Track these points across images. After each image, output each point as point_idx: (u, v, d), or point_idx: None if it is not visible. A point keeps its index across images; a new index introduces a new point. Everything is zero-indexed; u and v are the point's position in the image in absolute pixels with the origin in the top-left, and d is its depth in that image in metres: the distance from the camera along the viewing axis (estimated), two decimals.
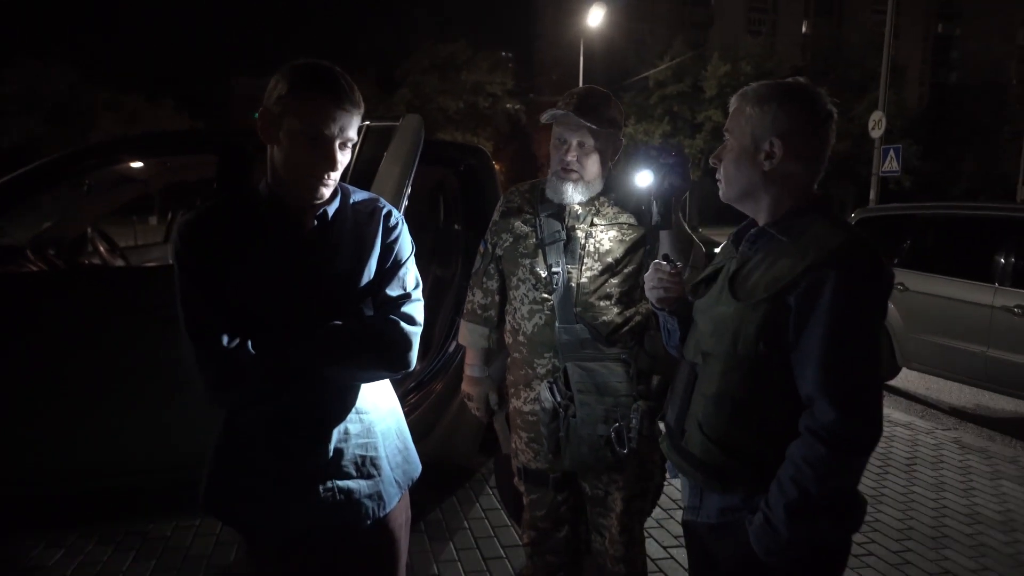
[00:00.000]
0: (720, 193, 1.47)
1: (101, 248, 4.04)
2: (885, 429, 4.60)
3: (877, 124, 14.82)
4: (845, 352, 1.23)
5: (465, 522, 3.31)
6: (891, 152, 14.52)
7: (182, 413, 2.14)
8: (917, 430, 4.99)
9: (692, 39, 47.97)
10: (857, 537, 3.21)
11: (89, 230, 4.03)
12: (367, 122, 2.70)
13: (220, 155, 2.95)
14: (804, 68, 47.15)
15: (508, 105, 43.04)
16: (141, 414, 2.76)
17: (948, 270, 5.76)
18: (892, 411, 5.53)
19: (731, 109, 1.45)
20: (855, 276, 1.25)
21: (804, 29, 60.71)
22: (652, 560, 2.98)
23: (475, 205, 3.20)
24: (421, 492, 3.45)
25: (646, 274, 1.62)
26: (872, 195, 15.11)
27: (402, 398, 3.09)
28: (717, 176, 1.47)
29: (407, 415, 2.98)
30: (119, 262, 4.15)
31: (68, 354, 2.73)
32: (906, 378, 6.49)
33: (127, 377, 2.74)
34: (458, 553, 3.03)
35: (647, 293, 1.63)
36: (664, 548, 3.10)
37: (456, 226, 3.69)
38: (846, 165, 40.90)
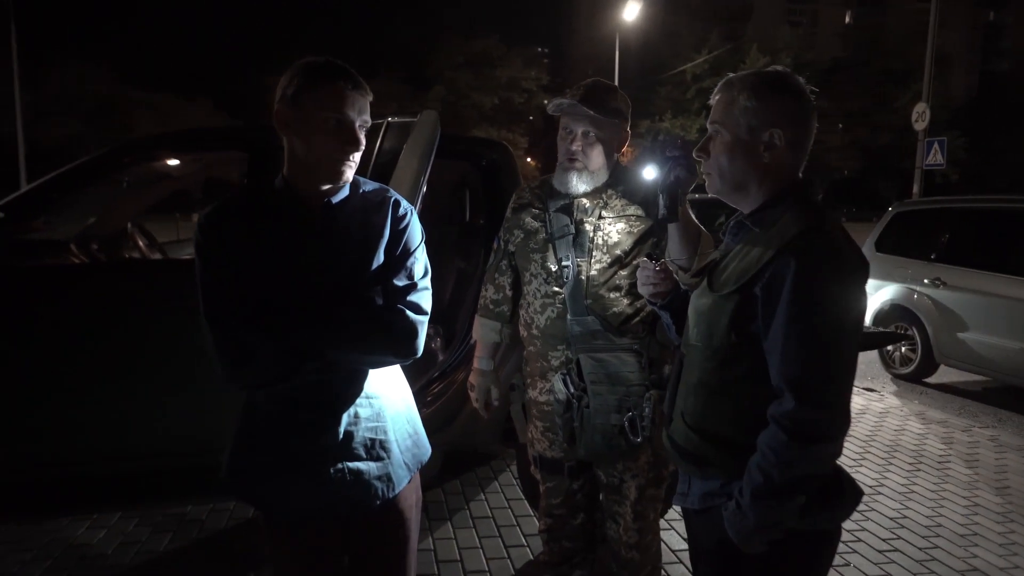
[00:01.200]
0: (708, 186, 1.46)
1: (140, 243, 4.20)
2: (919, 425, 4.53)
3: (921, 116, 14.47)
4: (803, 342, 1.24)
5: (488, 510, 3.37)
6: (935, 145, 14.15)
7: (219, 398, 2.23)
8: (953, 427, 4.89)
9: (729, 32, 47.22)
10: (882, 533, 3.22)
11: (129, 225, 4.19)
12: (389, 118, 2.77)
13: (250, 151, 3.06)
14: (845, 59, 46.17)
15: (544, 100, 42.96)
16: (182, 399, 2.86)
17: (987, 265, 5.63)
18: (927, 408, 5.44)
19: (715, 100, 1.43)
20: (813, 264, 1.24)
21: (847, 19, 59.23)
22: (673, 551, 3.00)
23: (496, 200, 3.24)
24: (445, 480, 3.57)
25: (637, 272, 1.65)
26: (915, 189, 14.73)
27: (425, 387, 3.19)
28: (704, 170, 1.46)
29: (430, 404, 3.10)
30: (157, 256, 4.30)
31: (109, 342, 2.85)
32: (944, 375, 6.35)
33: (167, 363, 2.84)
34: (480, 541, 3.09)
35: (640, 290, 1.66)
36: (685, 539, 3.11)
37: (480, 220, 3.74)
38: (890, 158, 39.96)
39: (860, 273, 1.29)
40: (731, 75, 1.43)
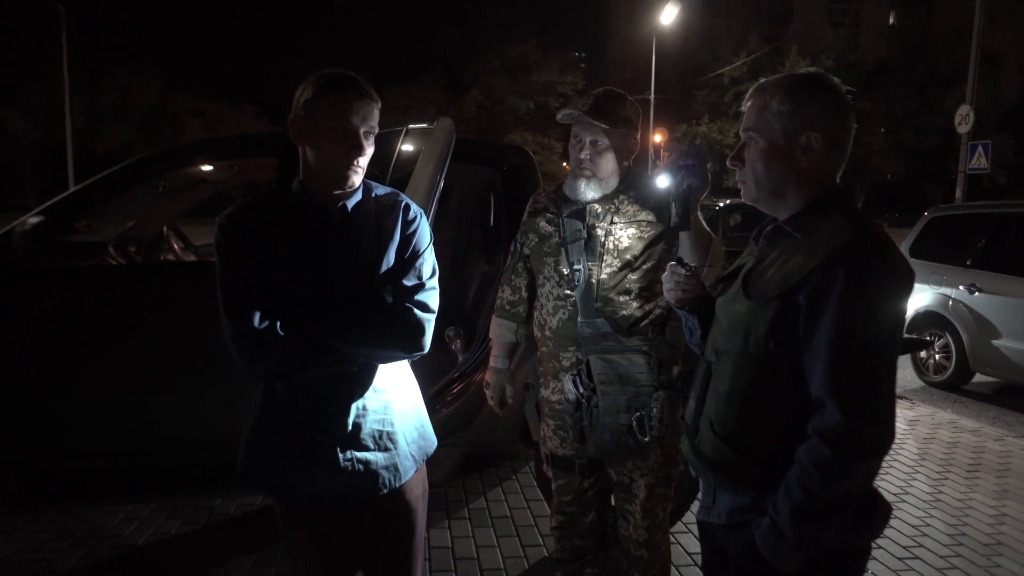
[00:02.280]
0: (743, 194, 1.42)
1: (175, 246, 4.37)
2: (949, 434, 4.45)
3: (964, 119, 14.11)
4: (853, 353, 1.19)
5: (507, 509, 3.42)
6: (979, 148, 13.79)
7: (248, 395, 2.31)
8: (985, 436, 4.79)
9: (770, 33, 46.58)
10: (903, 540, 3.18)
11: (165, 229, 4.36)
12: (408, 125, 2.86)
13: (279, 157, 3.17)
14: (889, 60, 45.16)
15: None
16: (215, 394, 2.96)
17: None
18: (959, 416, 5.33)
19: (747, 105, 1.40)
20: (864, 274, 1.20)
21: (891, 20, 57.95)
22: (689, 554, 3.02)
23: (516, 203, 3.31)
24: (464, 478, 3.63)
25: (663, 276, 1.64)
26: (958, 193, 14.35)
27: (445, 388, 3.26)
28: (739, 178, 1.42)
29: (449, 404, 3.17)
30: (191, 258, 4.47)
31: (146, 338, 2.98)
32: (979, 383, 6.22)
33: (201, 361, 2.94)
34: (498, 539, 3.14)
35: (665, 295, 1.64)
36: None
37: (503, 224, 3.81)
38: (936, 161, 38.92)
39: (909, 283, 1.25)
40: (763, 79, 1.40)
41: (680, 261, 1.59)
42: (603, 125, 2.10)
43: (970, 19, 14.85)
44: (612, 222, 2.17)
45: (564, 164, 40.03)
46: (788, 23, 57.14)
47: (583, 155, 2.16)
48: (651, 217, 2.15)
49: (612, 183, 2.19)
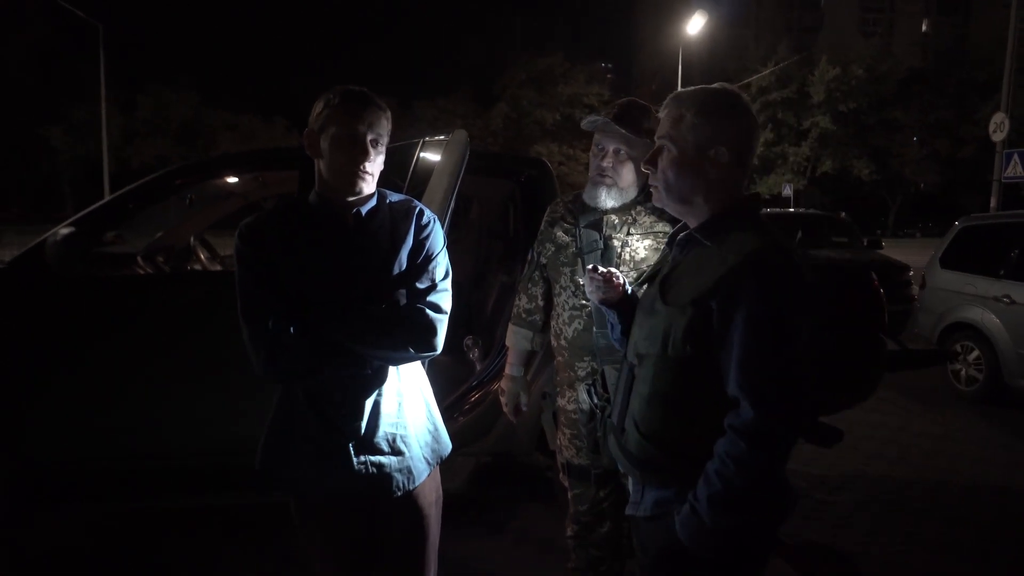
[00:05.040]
0: (655, 199, 1.51)
1: (202, 256, 4.47)
2: (978, 450, 4.29)
3: (999, 127, 13.85)
4: (762, 354, 1.27)
5: (524, 519, 3.42)
6: (1015, 156, 13.49)
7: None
8: (1020, 452, 4.67)
9: (799, 43, 46.21)
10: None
11: (192, 239, 4.47)
12: (425, 137, 2.90)
13: (301, 170, 3.23)
14: (924, 69, 44.48)
15: None
16: (251, 401, 2.98)
17: None
18: (993, 433, 5.19)
19: (664, 114, 1.47)
20: (770, 280, 1.29)
21: (924, 28, 57.10)
22: None
23: (533, 214, 3.33)
24: (483, 489, 3.63)
25: (584, 280, 1.70)
26: (993, 202, 14.06)
27: (463, 396, 3.27)
28: (651, 182, 1.50)
29: (467, 412, 3.19)
30: (217, 267, 4.56)
31: (172, 347, 3.03)
32: (1017, 397, 6.04)
33: (235, 368, 2.97)
34: (516, 548, 3.14)
35: (589, 296, 1.72)
36: None
37: (521, 234, 3.83)
38: (971, 171, 38.15)
39: (808, 288, 1.34)
40: (680, 90, 1.48)
41: (595, 267, 1.67)
42: (627, 133, 2.11)
43: (1005, 27, 14.60)
44: (629, 233, 2.18)
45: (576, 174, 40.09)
46: (818, 32, 56.64)
47: (605, 163, 2.18)
48: (668, 228, 2.15)
49: (631, 193, 2.21)
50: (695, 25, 25.37)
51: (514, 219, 4.08)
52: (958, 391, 6.22)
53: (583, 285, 2.15)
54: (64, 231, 2.90)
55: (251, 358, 1.58)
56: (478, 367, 3.48)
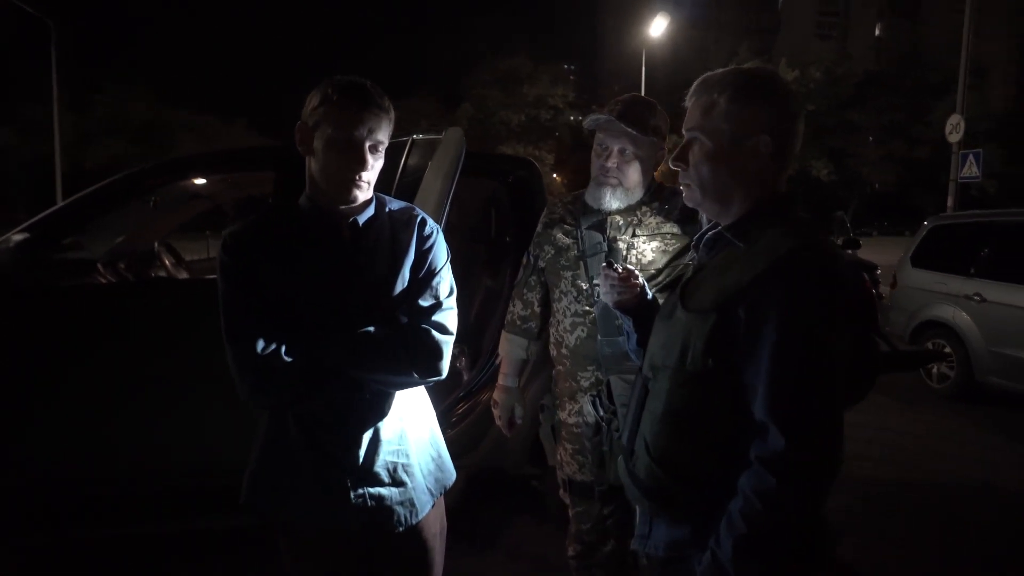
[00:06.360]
0: (686, 198, 1.33)
1: (167, 262, 4.24)
2: (953, 447, 4.31)
3: (955, 128, 14.16)
4: (796, 373, 1.10)
5: (516, 534, 3.29)
6: (970, 157, 13.83)
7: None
8: (984, 447, 4.70)
9: (758, 46, 47.00)
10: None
11: (156, 244, 4.23)
12: (414, 136, 2.75)
13: (277, 170, 3.06)
14: (879, 72, 45.62)
15: (571, 117, 43.12)
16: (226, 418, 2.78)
17: None
18: (960, 427, 5.22)
19: (693, 102, 1.29)
20: (806, 288, 1.12)
21: (877, 32, 58.56)
22: None
23: (524, 216, 3.21)
24: (471, 503, 3.50)
25: (598, 279, 1.56)
26: (950, 202, 14.39)
27: (451, 408, 3.13)
28: (682, 180, 1.33)
29: (455, 425, 3.04)
30: (184, 274, 4.34)
31: (138, 362, 2.82)
32: (986, 393, 6.11)
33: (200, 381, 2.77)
34: (509, 566, 3.01)
35: (602, 297, 1.57)
36: None
37: (507, 238, 3.71)
38: (925, 171, 39.23)
39: (850, 297, 1.17)
40: (708, 75, 1.29)
41: (610, 263, 1.52)
42: (632, 131, 1.99)
43: (956, 31, 14.98)
44: (635, 235, 2.06)
45: (555, 176, 40.16)
46: (776, 35, 57.70)
47: (610, 163, 2.05)
48: (676, 230, 2.04)
49: (637, 194, 2.09)
50: (658, 27, 25.56)
51: (496, 221, 3.95)
52: (930, 388, 6.28)
53: (597, 285, 2.03)
54: (17, 237, 2.69)
55: (236, 383, 1.40)
56: (465, 376, 3.34)
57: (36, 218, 2.91)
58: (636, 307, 1.52)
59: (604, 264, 1.54)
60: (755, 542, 1.11)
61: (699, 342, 1.19)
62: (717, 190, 1.27)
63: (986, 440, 4.90)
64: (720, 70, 1.30)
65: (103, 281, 3.47)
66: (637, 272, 1.56)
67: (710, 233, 1.33)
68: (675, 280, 1.44)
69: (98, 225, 3.21)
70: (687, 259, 2.00)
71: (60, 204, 3.04)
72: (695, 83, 1.30)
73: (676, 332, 1.25)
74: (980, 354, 5.72)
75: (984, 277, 5.81)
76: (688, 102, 1.30)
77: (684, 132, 1.30)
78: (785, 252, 1.15)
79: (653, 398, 1.29)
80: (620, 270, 1.50)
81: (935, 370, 6.28)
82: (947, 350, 6.07)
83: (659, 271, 2.02)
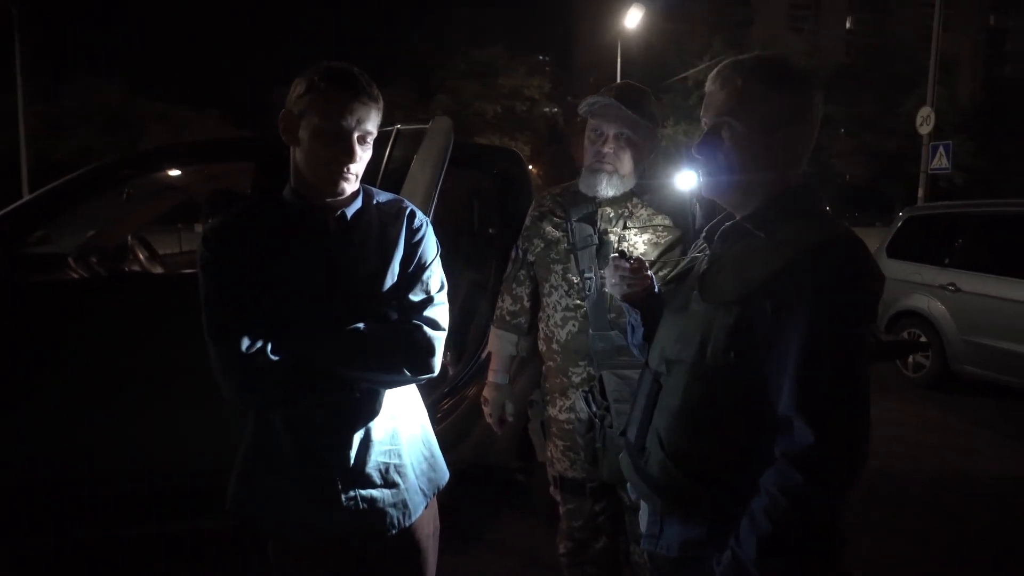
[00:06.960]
0: (706, 190, 1.29)
1: (141, 256, 4.12)
2: (933, 436, 4.36)
3: (925, 120, 14.37)
4: (825, 367, 1.08)
5: (503, 530, 3.26)
6: (940, 148, 14.05)
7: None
8: (960, 434, 4.78)
9: (732, 38, 47.31)
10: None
11: (129, 238, 4.11)
12: (398, 125, 2.69)
13: (256, 162, 2.98)
14: (850, 65, 46.17)
15: (546, 108, 43.04)
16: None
17: (1003, 270, 5.52)
18: (937, 416, 5.30)
19: (720, 87, 1.23)
20: (835, 282, 1.10)
21: (848, 25, 59.29)
22: None
23: (509, 209, 3.17)
24: (458, 499, 3.45)
25: (606, 269, 1.52)
26: (920, 193, 14.63)
27: (436, 404, 3.08)
28: (705, 170, 1.28)
29: (440, 421, 2.99)
30: (158, 269, 4.22)
31: (110, 358, 2.73)
32: (961, 382, 6.21)
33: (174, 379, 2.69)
34: (497, 562, 2.98)
35: (608, 289, 1.53)
36: None
37: (491, 230, 3.66)
38: (895, 163, 39.84)
39: (881, 289, 1.16)
40: (733, 59, 1.25)
41: (622, 254, 1.48)
42: (631, 114, 1.95)
43: (925, 24, 15.19)
44: (626, 227, 2.02)
45: (531, 167, 40.12)
46: (750, 27, 58.14)
47: (606, 149, 2.00)
48: (667, 221, 2.01)
49: (630, 183, 2.05)
50: (632, 19, 25.60)
51: (480, 213, 3.89)
52: (906, 377, 6.37)
53: (589, 278, 2.00)
54: None
55: (221, 384, 1.35)
56: (450, 371, 3.29)
57: (2, 211, 2.79)
58: (643, 300, 1.48)
59: (614, 255, 1.49)
60: (781, 541, 1.08)
61: (721, 335, 1.16)
62: (745, 179, 1.23)
63: (962, 428, 4.98)
64: (746, 56, 1.26)
65: (75, 276, 3.35)
66: (647, 262, 1.52)
67: (727, 224, 1.29)
68: (683, 272, 1.39)
69: (68, 218, 3.10)
70: (691, 251, 1.98)
71: (28, 197, 2.93)
72: (719, 68, 1.25)
73: (693, 325, 1.22)
74: (955, 343, 5.81)
75: (958, 267, 5.89)
76: (712, 87, 1.25)
77: (707, 120, 1.26)
78: (815, 245, 1.13)
79: (668, 393, 1.26)
80: (632, 261, 1.46)
81: (911, 359, 6.37)
82: (923, 339, 6.15)
83: (651, 264, 1.99)
